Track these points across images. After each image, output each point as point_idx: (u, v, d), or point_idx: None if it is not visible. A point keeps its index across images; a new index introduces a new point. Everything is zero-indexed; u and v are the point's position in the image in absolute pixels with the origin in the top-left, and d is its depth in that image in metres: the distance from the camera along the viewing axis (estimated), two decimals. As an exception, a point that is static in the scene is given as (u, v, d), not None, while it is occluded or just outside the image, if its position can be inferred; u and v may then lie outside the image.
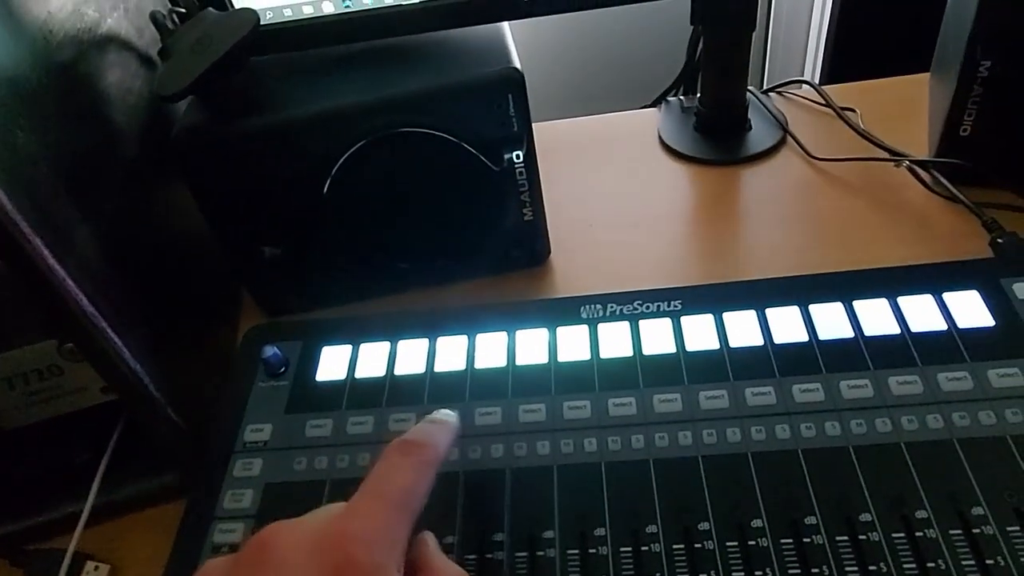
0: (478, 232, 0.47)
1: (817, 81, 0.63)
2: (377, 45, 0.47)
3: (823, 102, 0.60)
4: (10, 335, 0.34)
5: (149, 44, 0.47)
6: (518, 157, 0.44)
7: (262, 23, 0.42)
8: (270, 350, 0.39)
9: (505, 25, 0.47)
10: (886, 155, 0.52)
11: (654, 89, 0.68)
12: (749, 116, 0.59)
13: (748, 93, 0.59)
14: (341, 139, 0.42)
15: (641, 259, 0.51)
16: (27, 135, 0.30)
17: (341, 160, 0.42)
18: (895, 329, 0.35)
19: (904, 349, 0.34)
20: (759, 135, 0.59)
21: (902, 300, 0.36)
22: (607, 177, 0.58)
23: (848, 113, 0.57)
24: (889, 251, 0.46)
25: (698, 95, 0.61)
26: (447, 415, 0.32)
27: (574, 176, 0.58)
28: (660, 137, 0.61)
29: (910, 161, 0.48)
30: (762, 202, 0.54)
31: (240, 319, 0.51)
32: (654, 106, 0.66)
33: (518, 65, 0.42)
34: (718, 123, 0.59)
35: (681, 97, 0.65)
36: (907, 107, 0.58)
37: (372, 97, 0.41)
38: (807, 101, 0.62)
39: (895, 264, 0.41)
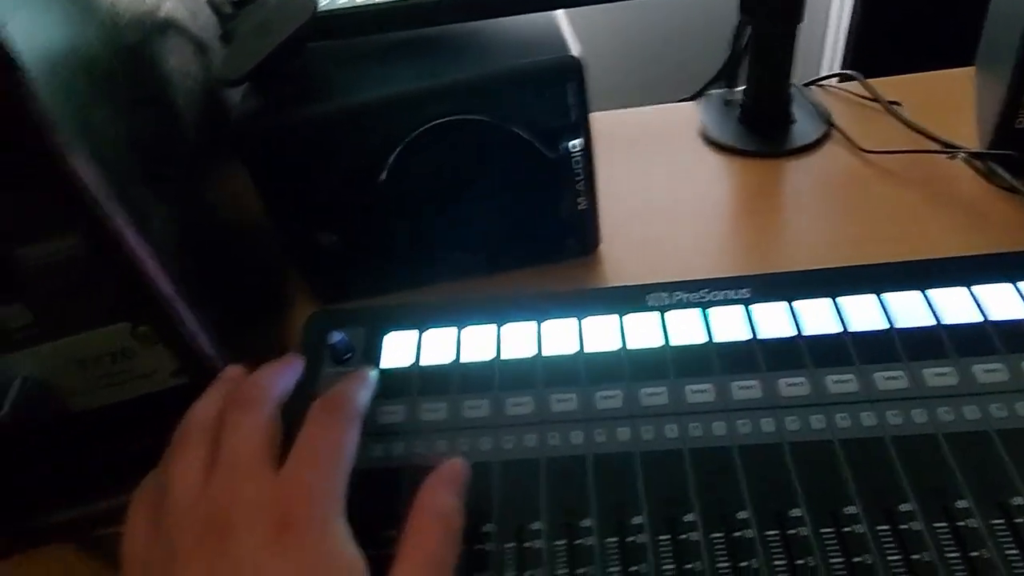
0: (533, 221, 0.47)
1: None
2: (431, 32, 0.46)
3: (864, 95, 0.60)
4: (84, 317, 0.33)
5: (202, 29, 0.46)
6: (575, 146, 0.44)
7: (318, 9, 0.42)
8: (337, 335, 0.39)
9: (560, 13, 0.47)
10: (938, 147, 0.51)
11: (688, 83, 0.68)
12: (792, 109, 0.59)
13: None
14: (402, 126, 0.41)
15: (690, 250, 0.51)
16: (105, 114, 0.30)
17: (400, 147, 0.42)
18: (977, 317, 0.35)
19: (986, 338, 0.34)
20: (803, 128, 0.58)
21: (978, 289, 0.36)
22: (651, 169, 0.58)
23: (894, 107, 0.56)
24: (946, 242, 0.46)
25: (742, 88, 0.60)
26: (361, 370, 0.34)
27: (618, 167, 0.58)
28: (702, 130, 0.61)
29: (966, 153, 0.48)
30: (811, 194, 0.54)
31: (289, 306, 0.50)
32: (692, 100, 0.66)
33: (577, 53, 0.42)
34: (763, 115, 0.59)
35: (722, 90, 0.65)
36: (948, 100, 0.58)
37: (433, 84, 0.41)
38: (849, 95, 0.61)
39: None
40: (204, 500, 0.27)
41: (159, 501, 0.29)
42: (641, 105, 0.65)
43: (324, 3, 0.45)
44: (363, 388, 0.33)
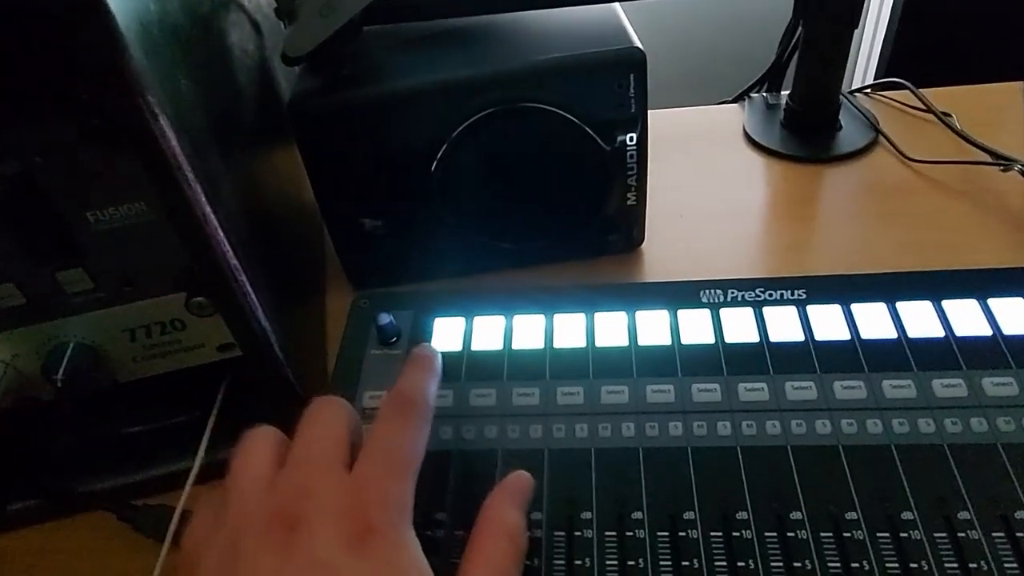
0: (582, 214, 0.47)
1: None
2: (489, 20, 0.46)
3: (911, 104, 0.59)
4: (143, 286, 0.33)
5: (255, 9, 0.47)
6: (631, 139, 0.44)
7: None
8: (386, 317, 0.39)
9: (618, 6, 0.47)
10: (989, 159, 0.51)
11: (729, 86, 0.68)
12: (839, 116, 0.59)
13: (839, 92, 0.58)
14: (458, 111, 0.41)
15: (730, 251, 0.50)
16: (187, 81, 0.30)
17: (455, 133, 0.42)
18: (1034, 330, 0.35)
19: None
20: (850, 134, 0.58)
21: (1037, 301, 0.36)
22: (694, 169, 0.58)
23: (946, 117, 0.56)
24: (995, 254, 0.46)
25: (787, 92, 0.60)
26: (430, 352, 0.33)
27: (661, 166, 0.57)
28: (746, 132, 0.60)
29: (1022, 166, 0.47)
30: (855, 201, 0.53)
31: (325, 288, 0.50)
32: (734, 102, 0.65)
33: (640, 45, 0.42)
34: (810, 120, 0.59)
35: (765, 94, 0.64)
36: (995, 113, 0.58)
37: (495, 69, 0.41)
38: (894, 103, 0.61)
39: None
40: (274, 492, 0.26)
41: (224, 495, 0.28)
42: (682, 106, 0.65)
43: (385, -14, 0.45)
44: (433, 380, 0.32)
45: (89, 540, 0.37)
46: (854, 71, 1.07)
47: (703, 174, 0.57)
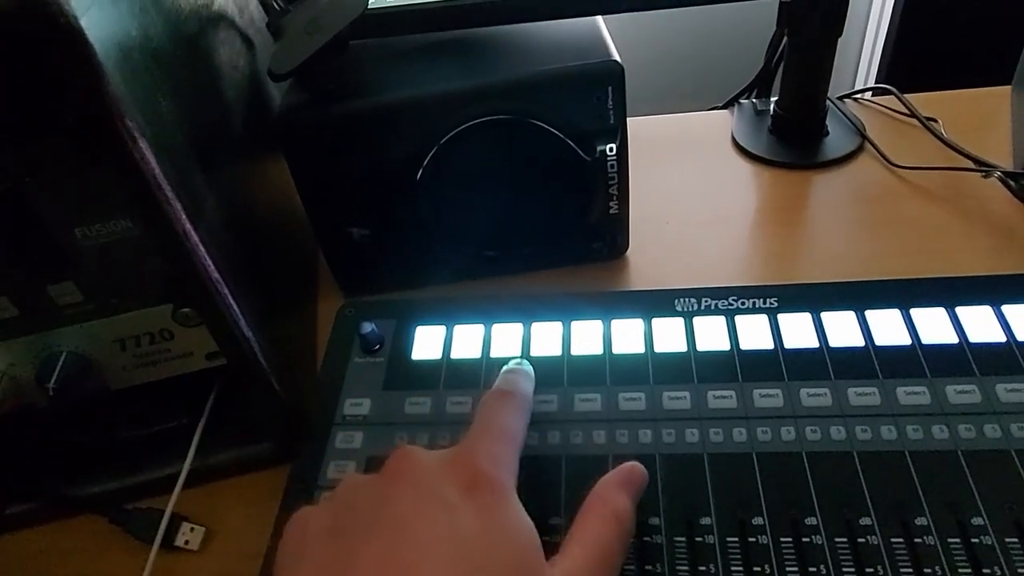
0: (565, 223, 0.48)
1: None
2: (473, 33, 0.47)
3: (899, 110, 0.60)
4: (130, 297, 0.35)
5: (248, 23, 0.48)
6: (611, 150, 0.44)
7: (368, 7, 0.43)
8: (368, 326, 0.40)
9: (600, 19, 0.47)
10: (972, 165, 0.51)
11: (720, 92, 0.69)
12: (826, 122, 0.59)
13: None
14: (442, 124, 0.42)
15: (716, 257, 0.51)
16: (168, 103, 0.31)
17: (438, 145, 0.43)
18: (1001, 337, 0.35)
19: (1011, 357, 0.34)
20: (836, 140, 0.59)
21: (1005, 308, 0.36)
22: (682, 175, 0.59)
23: (930, 123, 0.56)
24: (975, 261, 0.46)
25: (774, 98, 0.61)
26: (522, 363, 0.37)
27: (648, 173, 0.58)
28: (734, 138, 0.61)
29: (1001, 172, 0.48)
30: (841, 207, 0.54)
31: (317, 297, 0.51)
32: (724, 108, 0.66)
33: (618, 58, 0.42)
34: (796, 127, 0.59)
35: (754, 100, 0.65)
36: (984, 118, 0.58)
37: (475, 83, 0.42)
38: (883, 109, 0.61)
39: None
40: (406, 459, 0.27)
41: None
42: (673, 112, 0.66)
43: (373, 1, 0.47)
44: (528, 381, 0.35)
45: (82, 542, 0.39)
46: (855, 78, 1.07)
47: (690, 180, 0.58)
